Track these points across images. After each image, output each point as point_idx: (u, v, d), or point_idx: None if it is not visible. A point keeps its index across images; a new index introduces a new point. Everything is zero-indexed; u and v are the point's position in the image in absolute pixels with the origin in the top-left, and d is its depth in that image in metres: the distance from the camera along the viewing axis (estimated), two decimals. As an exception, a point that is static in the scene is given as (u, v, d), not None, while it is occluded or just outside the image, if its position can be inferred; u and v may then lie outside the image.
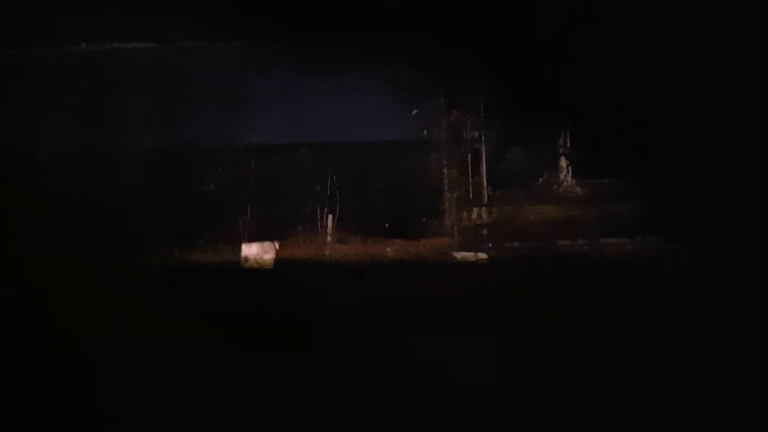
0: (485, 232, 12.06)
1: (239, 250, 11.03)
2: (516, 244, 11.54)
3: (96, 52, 12.54)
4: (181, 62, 14.76)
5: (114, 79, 13.90)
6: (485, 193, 14.47)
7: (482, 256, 11.18)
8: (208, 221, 11.73)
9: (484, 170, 15.45)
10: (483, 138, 15.98)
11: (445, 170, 15.75)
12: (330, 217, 11.54)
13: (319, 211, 12.06)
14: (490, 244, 11.56)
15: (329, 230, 11.37)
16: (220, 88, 15.16)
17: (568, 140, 13.55)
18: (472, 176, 15.17)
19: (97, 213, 12.91)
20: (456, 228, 12.46)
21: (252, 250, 11.24)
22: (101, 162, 14.01)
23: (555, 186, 13.54)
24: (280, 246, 11.31)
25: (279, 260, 11.01)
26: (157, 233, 11.36)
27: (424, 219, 13.27)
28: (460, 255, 11.15)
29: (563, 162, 13.93)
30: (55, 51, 12.37)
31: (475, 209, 13.05)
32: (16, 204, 11.90)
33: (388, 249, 11.27)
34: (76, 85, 13.62)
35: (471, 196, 14.48)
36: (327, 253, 11.04)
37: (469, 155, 15.53)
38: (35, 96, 13.64)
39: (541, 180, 13.96)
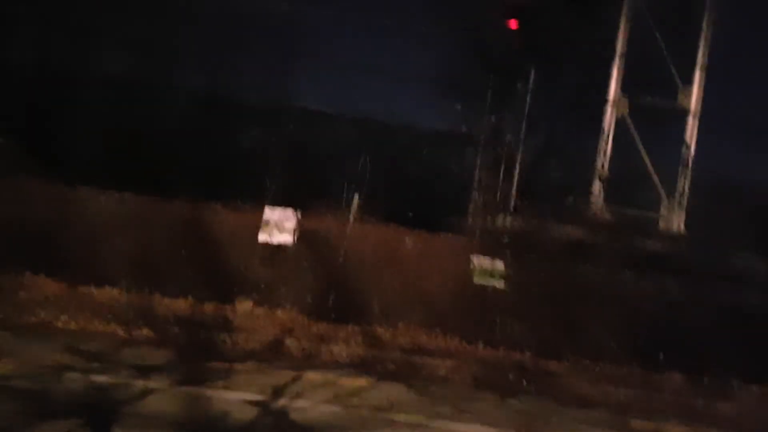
0: (507, 240, 11.99)
1: (262, 212, 11.10)
2: (534, 258, 11.47)
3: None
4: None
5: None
6: (513, 200, 14.36)
7: (498, 264, 11.13)
8: (237, 176, 11.79)
9: (516, 177, 15.31)
10: (521, 144, 15.81)
11: (478, 169, 15.63)
12: (357, 195, 11.51)
13: (346, 187, 12.04)
14: (508, 253, 11.48)
15: (353, 209, 11.36)
16: (274, 46, 15.07)
17: (606, 163, 13.38)
18: (503, 180, 15.03)
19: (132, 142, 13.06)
20: (478, 231, 12.41)
21: (275, 215, 11.28)
22: (149, 94, 14.14)
23: (584, 207, 13.41)
24: (302, 216, 11.35)
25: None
26: (188, 176, 11.47)
27: (449, 215, 13.23)
28: (477, 259, 11.12)
29: (597, 185, 13.77)
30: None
31: (500, 215, 12.96)
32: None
33: (408, 240, 11.27)
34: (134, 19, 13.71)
35: (498, 201, 14.37)
36: (347, 231, 11.05)
37: (504, 159, 15.38)
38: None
39: (572, 198, 13.82)
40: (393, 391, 7.99)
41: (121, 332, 8.74)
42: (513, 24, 13.35)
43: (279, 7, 13.29)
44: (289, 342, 9.33)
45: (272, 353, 8.98)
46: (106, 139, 12.69)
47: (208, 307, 9.97)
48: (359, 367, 8.91)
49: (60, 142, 12.08)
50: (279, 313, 10.31)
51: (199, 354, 8.33)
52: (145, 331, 8.86)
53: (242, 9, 14.68)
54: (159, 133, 13.27)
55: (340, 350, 9.34)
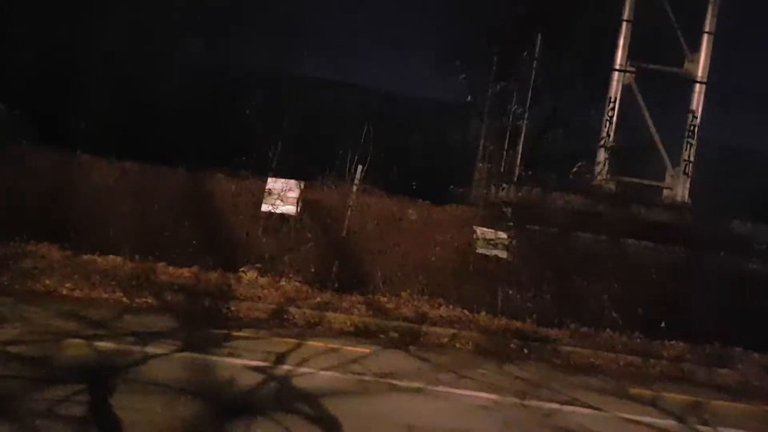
0: (510, 210, 11.94)
1: (265, 181, 11.07)
2: (537, 228, 11.44)
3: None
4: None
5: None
6: (517, 170, 14.27)
7: (502, 234, 11.10)
8: (241, 146, 11.73)
9: (521, 147, 15.19)
10: (526, 114, 15.67)
11: (482, 139, 15.52)
12: (359, 166, 11.45)
13: (349, 157, 11.98)
14: (512, 223, 11.44)
15: (356, 180, 11.30)
16: (277, 15, 14.88)
17: (612, 132, 13.24)
18: (508, 150, 14.93)
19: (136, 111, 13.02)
20: (482, 201, 12.36)
21: (277, 185, 11.24)
22: (152, 64, 14.04)
23: (588, 177, 13.32)
24: (304, 186, 11.31)
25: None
26: (191, 145, 11.44)
27: (453, 186, 13.17)
28: (480, 230, 11.09)
29: (602, 154, 13.64)
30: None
31: (504, 185, 12.90)
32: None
33: (411, 210, 11.23)
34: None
35: (503, 171, 14.28)
36: (351, 201, 11.02)
37: (509, 129, 15.26)
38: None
39: (576, 168, 13.72)
40: (395, 358, 8.05)
41: (124, 299, 8.80)
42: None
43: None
44: (293, 310, 9.38)
45: (276, 321, 9.04)
46: (110, 109, 12.65)
47: (212, 276, 10.02)
48: (362, 335, 8.97)
49: (64, 112, 12.06)
50: (283, 282, 10.36)
51: (203, 321, 8.40)
52: (149, 299, 8.92)
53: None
54: (162, 102, 13.23)
55: (343, 319, 9.39)
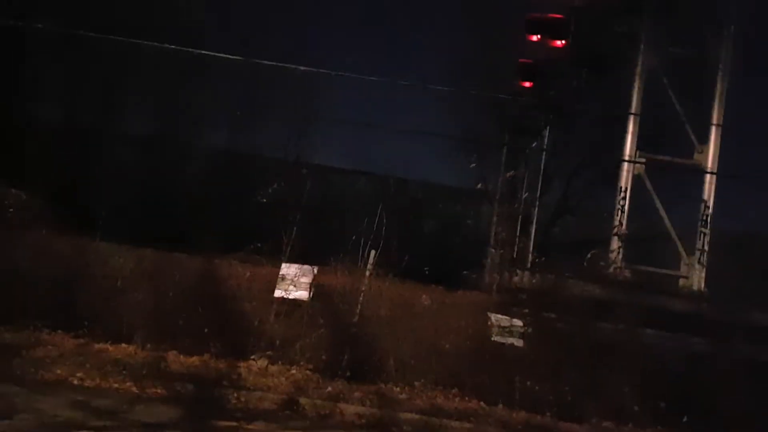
0: (524, 297, 11.82)
1: (279, 267, 11.12)
2: (553, 315, 11.28)
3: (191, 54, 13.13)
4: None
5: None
6: (530, 257, 14.26)
7: (517, 322, 10.95)
8: (256, 231, 11.87)
9: (533, 233, 15.26)
10: (537, 201, 15.83)
11: (494, 226, 15.63)
12: (372, 251, 11.50)
13: (362, 243, 12.06)
14: (527, 310, 11.30)
15: (369, 265, 11.32)
16: (292, 104, 15.47)
17: (624, 220, 13.30)
18: (520, 237, 15.00)
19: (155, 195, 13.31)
20: (495, 287, 12.28)
21: (291, 271, 11.28)
22: (170, 150, 14.48)
23: (603, 264, 13.25)
24: (317, 272, 11.33)
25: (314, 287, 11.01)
26: (207, 231, 11.59)
27: (465, 271, 13.14)
28: (494, 317, 10.95)
29: (615, 243, 13.63)
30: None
31: (518, 271, 12.84)
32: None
33: (424, 296, 11.17)
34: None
35: (516, 257, 14.28)
36: (363, 287, 10.99)
37: (521, 216, 15.39)
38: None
39: (590, 255, 13.68)
40: (409, 453, 7.77)
41: (134, 389, 8.66)
42: (527, 84, 13.58)
43: (297, 68, 13.69)
44: (303, 401, 9.17)
45: (286, 412, 8.82)
46: (127, 194, 12.94)
47: (222, 364, 9.88)
48: (374, 428, 8.71)
49: (81, 197, 12.33)
50: (293, 370, 10.18)
51: (212, 412, 8.21)
52: (159, 388, 8.77)
53: (262, 69, 15.18)
54: (179, 188, 13.54)
55: (354, 410, 9.14)
